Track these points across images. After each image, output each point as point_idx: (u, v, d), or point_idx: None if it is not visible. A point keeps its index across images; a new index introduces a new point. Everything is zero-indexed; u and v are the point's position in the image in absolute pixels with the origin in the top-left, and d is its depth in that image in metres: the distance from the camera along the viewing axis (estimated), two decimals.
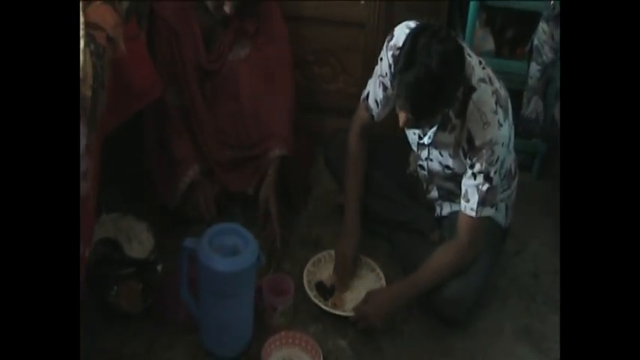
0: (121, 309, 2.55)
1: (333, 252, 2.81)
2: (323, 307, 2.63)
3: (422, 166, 2.74)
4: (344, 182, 2.80)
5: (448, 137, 2.51)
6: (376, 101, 2.67)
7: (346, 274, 2.75)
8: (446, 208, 2.80)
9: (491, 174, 2.44)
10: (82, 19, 2.18)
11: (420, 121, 2.39)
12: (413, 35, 2.24)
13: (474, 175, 2.46)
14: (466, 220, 2.53)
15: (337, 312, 2.63)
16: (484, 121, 2.39)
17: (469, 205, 2.50)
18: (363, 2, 3.09)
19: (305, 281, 2.69)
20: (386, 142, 2.87)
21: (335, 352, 2.53)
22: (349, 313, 2.60)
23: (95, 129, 2.09)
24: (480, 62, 2.47)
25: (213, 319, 2.44)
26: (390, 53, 2.51)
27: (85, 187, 2.01)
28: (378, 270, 2.78)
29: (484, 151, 2.41)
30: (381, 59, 2.57)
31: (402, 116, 2.34)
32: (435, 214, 2.84)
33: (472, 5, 3.13)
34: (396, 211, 2.87)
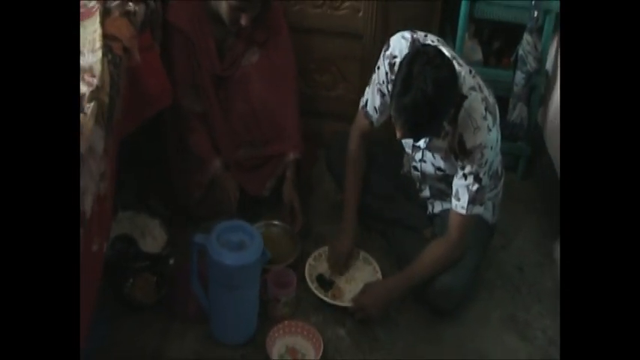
0: (136, 300, 2.56)
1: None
2: (323, 298, 2.63)
3: (416, 167, 2.73)
4: (344, 185, 2.80)
5: (442, 143, 2.51)
6: (375, 108, 2.66)
7: (340, 266, 2.75)
8: (437, 207, 2.79)
9: (481, 175, 2.43)
10: (99, 31, 2.18)
11: (416, 137, 2.45)
12: (409, 61, 2.23)
13: (465, 176, 2.45)
14: (457, 217, 2.52)
15: (336, 303, 2.62)
16: (474, 126, 2.38)
17: (460, 204, 2.49)
18: (360, 14, 3.09)
19: (306, 274, 2.69)
20: (382, 145, 2.86)
21: (334, 341, 2.53)
22: (348, 304, 2.60)
23: (112, 133, 2.09)
24: (471, 71, 2.46)
25: (222, 310, 2.44)
26: (386, 62, 2.50)
27: (103, 187, 2.00)
28: (375, 263, 2.78)
29: (474, 153, 2.40)
30: (379, 67, 2.56)
31: (399, 132, 2.33)
32: (428, 212, 2.83)
33: (462, 18, 3.13)
34: (391, 209, 2.87)
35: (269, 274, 2.55)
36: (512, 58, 3.21)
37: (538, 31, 3.07)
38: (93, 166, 1.90)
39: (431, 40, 2.47)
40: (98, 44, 2.12)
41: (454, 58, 2.41)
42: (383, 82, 2.55)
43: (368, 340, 2.55)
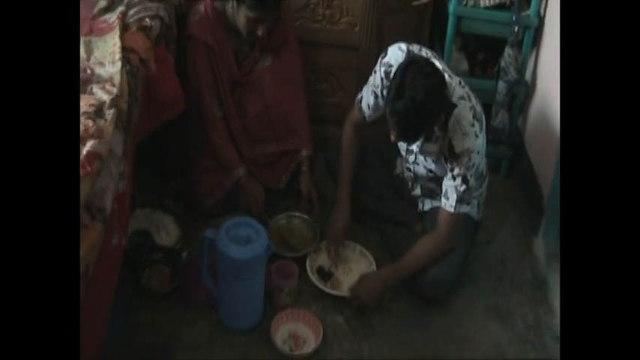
0: (152, 289, 2.56)
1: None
2: (322, 288, 2.62)
3: (409, 169, 2.74)
4: (340, 162, 2.79)
5: (433, 147, 2.52)
6: (368, 105, 2.67)
7: (337, 240, 2.74)
8: (427, 204, 2.79)
9: (468, 177, 2.44)
10: (119, 44, 2.19)
11: (408, 140, 2.45)
12: (402, 70, 2.25)
13: (454, 178, 2.46)
14: (445, 215, 2.52)
15: (335, 292, 2.62)
16: (463, 132, 2.39)
17: (449, 203, 2.49)
18: (357, 29, 3.09)
19: (307, 266, 2.68)
20: (376, 150, 2.85)
21: (333, 327, 2.52)
22: (345, 293, 2.59)
23: (130, 137, 2.09)
24: (460, 82, 2.48)
25: (230, 299, 2.44)
26: (382, 69, 2.51)
27: (122, 186, 2.01)
28: (370, 256, 2.77)
29: (462, 157, 2.41)
30: (375, 72, 2.57)
31: (393, 134, 2.35)
32: (418, 209, 2.83)
33: (449, 32, 3.14)
34: (385, 207, 2.86)
35: (273, 266, 2.54)
36: (495, 69, 3.21)
37: (518, 44, 3.08)
38: (113, 166, 1.91)
39: (425, 52, 2.48)
40: (118, 56, 2.13)
41: (445, 70, 2.43)
42: (377, 85, 2.55)
43: (363, 326, 2.54)
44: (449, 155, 2.44)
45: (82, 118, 1.87)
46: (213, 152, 2.82)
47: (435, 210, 2.64)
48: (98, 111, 1.91)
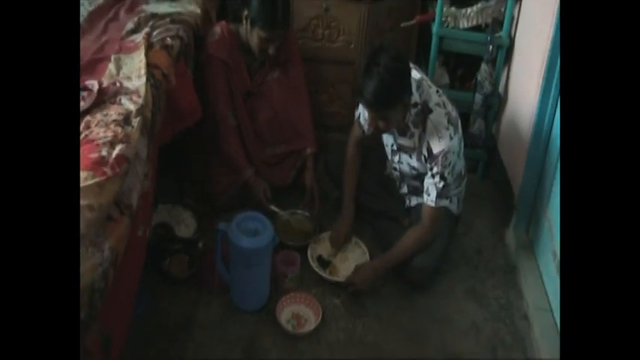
0: (172, 275, 2.55)
1: (329, 233, 2.79)
2: (322, 275, 2.62)
3: (395, 168, 2.74)
4: (342, 181, 2.80)
5: (408, 142, 2.54)
6: (364, 118, 2.68)
7: (339, 243, 2.74)
8: (413, 201, 2.79)
9: (446, 174, 2.45)
10: (144, 61, 2.19)
11: (379, 113, 2.40)
12: (372, 53, 2.31)
13: (433, 176, 2.47)
14: (428, 209, 2.53)
15: (333, 278, 2.62)
16: (439, 135, 2.42)
17: (430, 198, 2.50)
18: (352, 46, 3.09)
19: (309, 255, 2.68)
20: (370, 153, 2.85)
21: (331, 309, 2.52)
22: (342, 279, 2.59)
23: (153, 142, 2.09)
24: (437, 91, 2.50)
25: (240, 283, 2.44)
26: None
27: (147, 185, 2.00)
28: (364, 246, 2.76)
29: (440, 157, 2.43)
30: None
31: (370, 118, 2.42)
32: (406, 205, 2.82)
33: (433, 50, 3.14)
34: (377, 203, 2.86)
35: (278, 255, 2.54)
36: (472, 83, 3.21)
37: (493, 61, 3.08)
38: (139, 168, 1.91)
39: (413, 76, 2.48)
40: (143, 71, 2.13)
41: (424, 79, 2.48)
42: None
43: (357, 308, 2.54)
44: (428, 156, 2.47)
45: (111, 125, 1.86)
46: (226, 157, 2.82)
47: (420, 206, 2.63)
48: (126, 119, 1.92)
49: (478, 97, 3.13)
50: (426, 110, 2.45)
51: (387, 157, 2.81)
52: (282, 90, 2.92)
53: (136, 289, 1.97)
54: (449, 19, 3.10)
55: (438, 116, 2.43)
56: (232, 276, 2.43)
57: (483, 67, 3.07)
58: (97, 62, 2.25)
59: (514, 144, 3.01)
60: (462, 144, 2.56)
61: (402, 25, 3.18)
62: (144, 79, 2.10)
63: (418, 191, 2.71)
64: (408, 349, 2.41)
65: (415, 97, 2.44)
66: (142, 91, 2.05)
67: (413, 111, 2.46)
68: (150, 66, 2.18)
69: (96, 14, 2.56)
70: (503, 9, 3.07)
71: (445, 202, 2.52)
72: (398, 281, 2.65)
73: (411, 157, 2.59)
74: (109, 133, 1.83)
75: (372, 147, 2.81)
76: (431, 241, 2.57)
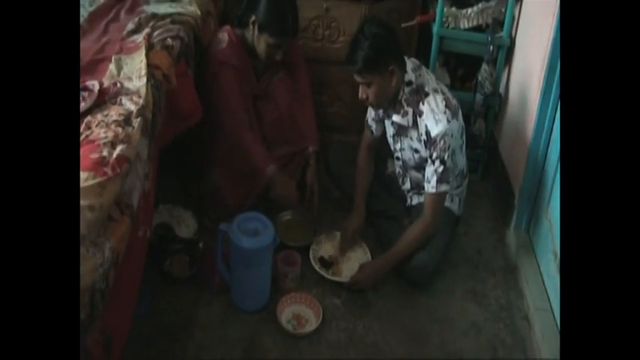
0: (173, 275, 2.55)
1: (330, 234, 2.80)
2: (326, 276, 2.62)
3: (398, 158, 2.75)
4: (355, 181, 2.81)
5: (402, 120, 2.57)
6: (373, 118, 2.73)
7: (348, 240, 2.75)
8: (415, 200, 2.79)
9: (445, 158, 2.47)
10: (145, 61, 2.19)
11: (365, 77, 2.46)
12: (361, 24, 2.46)
13: (433, 162, 2.49)
14: (429, 197, 2.55)
15: (336, 279, 2.62)
16: (436, 119, 2.46)
17: (430, 185, 2.52)
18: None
19: (311, 256, 2.68)
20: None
21: (331, 308, 2.53)
22: (345, 280, 2.59)
23: (154, 142, 2.09)
24: (439, 83, 2.58)
25: (241, 283, 2.44)
26: None
27: (147, 185, 2.01)
28: (365, 246, 2.77)
29: (438, 140, 2.45)
30: None
31: (360, 89, 2.50)
32: (407, 204, 2.83)
33: (433, 50, 3.14)
34: (378, 203, 2.86)
35: (279, 255, 2.54)
36: (473, 83, 3.21)
37: (493, 62, 3.08)
38: (139, 168, 1.91)
39: (412, 61, 2.56)
40: (143, 72, 2.13)
41: (428, 72, 2.58)
42: None
43: (358, 308, 2.54)
44: (427, 139, 2.49)
45: (112, 126, 1.86)
46: (246, 156, 2.73)
47: (421, 205, 2.65)
48: (127, 120, 1.91)
49: (479, 98, 3.13)
50: (421, 92, 2.49)
51: (388, 156, 2.82)
52: (287, 91, 2.92)
53: (137, 290, 1.97)
54: (449, 19, 3.11)
55: (434, 100, 2.47)
56: (233, 276, 2.44)
57: (484, 67, 3.07)
58: (98, 63, 2.25)
59: (515, 144, 3.02)
60: (464, 138, 2.58)
61: (403, 25, 3.18)
62: (144, 79, 2.09)
63: (420, 187, 2.72)
64: (409, 349, 2.41)
65: (410, 76, 2.50)
66: (143, 91, 2.05)
67: (406, 89, 2.51)
68: (150, 66, 2.18)
69: (96, 15, 2.56)
70: (503, 9, 3.08)
71: (446, 187, 2.53)
72: (398, 281, 2.65)
73: (411, 139, 2.60)
74: (110, 134, 1.83)
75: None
76: (434, 233, 2.58)
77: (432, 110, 2.46)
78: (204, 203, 2.83)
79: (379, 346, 2.41)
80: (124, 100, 2.01)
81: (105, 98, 2.02)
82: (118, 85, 2.08)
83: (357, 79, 2.48)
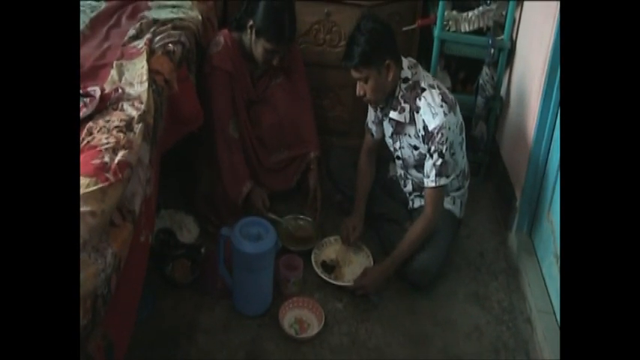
0: (175, 280, 2.56)
1: (332, 238, 2.81)
2: (329, 280, 2.62)
3: (398, 156, 2.75)
4: (356, 183, 2.82)
5: (399, 116, 2.57)
6: (373, 121, 2.73)
7: (347, 237, 2.75)
8: (417, 203, 2.79)
9: (444, 151, 2.48)
10: (146, 67, 2.19)
11: (361, 72, 2.47)
12: (357, 21, 2.47)
13: (431, 155, 2.50)
14: (429, 192, 2.56)
15: (339, 283, 2.62)
16: (433, 112, 2.47)
17: (429, 179, 2.53)
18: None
19: (313, 261, 2.68)
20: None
21: (333, 312, 2.53)
22: (349, 284, 2.59)
23: (156, 148, 2.09)
24: (434, 79, 2.59)
25: (243, 288, 2.44)
26: None
27: (149, 190, 2.01)
28: (366, 249, 2.78)
29: (435, 133, 2.46)
30: None
31: (357, 85, 2.51)
32: (408, 207, 2.83)
33: (434, 54, 3.15)
34: (379, 206, 2.87)
35: (281, 260, 2.55)
36: (474, 86, 3.21)
37: (494, 64, 3.09)
38: (141, 173, 1.91)
39: (409, 59, 2.57)
40: (145, 77, 2.13)
41: (428, 75, 2.58)
42: None
43: (360, 311, 2.55)
44: (424, 134, 2.50)
45: (114, 132, 1.87)
46: (225, 169, 2.75)
47: (422, 208, 2.65)
48: (128, 125, 1.92)
49: (480, 100, 3.13)
50: (418, 88, 2.51)
51: (389, 159, 2.82)
52: (286, 95, 2.92)
53: (139, 295, 1.97)
54: (450, 22, 3.11)
55: (431, 94, 2.49)
56: (235, 281, 2.44)
57: (485, 70, 3.07)
58: (100, 69, 2.26)
59: (516, 147, 3.02)
60: (464, 135, 2.59)
61: (404, 29, 3.19)
62: (146, 85, 2.10)
63: (421, 189, 2.72)
64: (411, 352, 2.42)
65: (406, 73, 2.52)
66: (144, 97, 2.05)
67: (403, 86, 2.53)
68: (152, 72, 2.19)
69: (98, 21, 2.57)
70: (504, 12, 3.08)
71: (445, 181, 2.53)
72: (400, 284, 2.65)
73: (410, 136, 2.61)
74: (112, 139, 1.83)
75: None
76: (434, 229, 2.58)
77: (429, 104, 2.47)
78: (205, 208, 2.84)
79: (381, 349, 2.41)
80: (126, 106, 2.01)
81: (106, 104, 2.03)
82: (120, 90, 2.08)
83: (354, 74, 2.49)
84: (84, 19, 2.54)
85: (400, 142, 2.67)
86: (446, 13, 3.08)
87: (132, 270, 1.83)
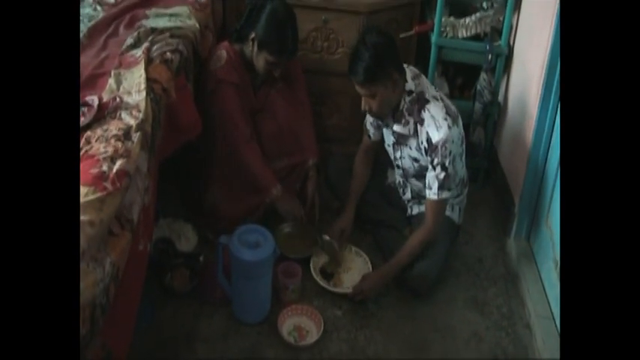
0: (174, 289, 2.56)
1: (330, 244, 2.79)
2: (328, 287, 2.62)
3: (398, 166, 2.75)
4: (350, 183, 2.82)
5: (403, 129, 2.56)
6: (371, 123, 2.73)
7: (337, 238, 2.73)
8: (415, 209, 2.80)
9: (447, 164, 2.47)
10: (144, 76, 2.20)
11: (367, 88, 2.46)
12: (359, 37, 2.48)
13: (434, 167, 2.49)
14: (430, 204, 2.55)
15: (338, 290, 2.62)
16: (437, 125, 2.46)
17: (432, 191, 2.52)
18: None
19: (311, 269, 2.68)
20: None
21: (332, 320, 2.53)
22: (347, 291, 2.59)
23: (154, 156, 2.09)
24: (437, 91, 2.58)
25: (242, 296, 2.45)
26: None
27: (147, 199, 2.00)
28: (365, 255, 2.78)
29: (439, 146, 2.45)
30: None
31: (363, 100, 2.49)
32: (407, 214, 2.84)
33: (432, 60, 3.16)
34: (377, 212, 2.87)
35: (279, 267, 2.55)
36: (471, 92, 3.23)
37: (492, 70, 3.10)
38: (139, 182, 1.91)
39: (411, 69, 2.56)
40: (143, 86, 2.14)
41: (431, 86, 2.56)
42: None
43: (359, 318, 2.55)
44: (428, 146, 2.49)
45: (112, 141, 1.87)
46: (252, 175, 2.74)
47: (422, 215, 2.66)
48: (126, 134, 1.92)
49: (478, 106, 3.14)
50: (422, 100, 2.49)
51: (388, 166, 2.83)
52: (285, 103, 2.92)
53: (138, 304, 1.98)
54: (447, 28, 3.13)
55: (435, 107, 2.48)
56: (234, 288, 2.44)
57: (482, 76, 3.09)
58: (98, 77, 2.26)
59: (514, 152, 3.03)
60: (464, 146, 2.59)
61: (401, 35, 3.20)
62: (144, 93, 2.10)
63: (420, 197, 2.73)
64: (410, 358, 2.42)
65: (410, 85, 2.51)
66: (142, 105, 2.05)
67: (407, 98, 2.52)
68: (150, 80, 2.19)
69: (96, 30, 2.58)
70: (501, 18, 3.10)
71: (447, 194, 2.53)
72: (399, 290, 2.65)
73: (410, 148, 2.61)
74: (110, 148, 1.84)
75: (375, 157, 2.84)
76: (434, 238, 2.58)
77: (433, 117, 2.46)
78: (204, 218, 2.84)
79: (381, 356, 2.41)
80: (124, 115, 2.02)
81: (104, 113, 2.03)
82: (118, 99, 2.09)
83: (360, 91, 2.48)
84: (82, 29, 2.55)
85: (401, 153, 2.67)
86: (443, 20, 3.09)
87: (130, 279, 1.83)
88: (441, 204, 2.55)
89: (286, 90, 2.93)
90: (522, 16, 3.08)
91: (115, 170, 1.76)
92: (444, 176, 2.48)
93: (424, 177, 2.59)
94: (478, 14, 3.11)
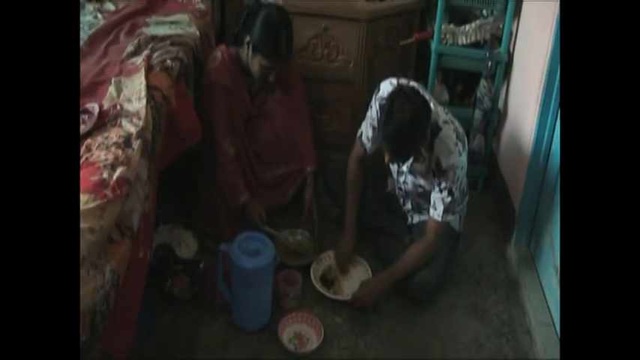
0: (174, 296, 2.56)
1: (331, 253, 2.80)
2: (327, 294, 2.63)
3: (400, 188, 2.76)
4: (345, 200, 2.80)
5: (420, 167, 2.55)
6: (368, 137, 2.69)
7: (343, 263, 2.75)
8: (416, 218, 2.80)
9: (454, 189, 2.47)
10: (144, 83, 2.21)
11: (400, 159, 2.48)
12: (391, 98, 2.31)
13: (441, 191, 2.48)
14: (433, 223, 2.55)
15: (338, 297, 2.63)
16: (448, 151, 2.43)
17: (436, 212, 2.51)
18: (351, 66, 3.14)
19: (312, 277, 2.68)
20: (371, 171, 2.87)
21: (333, 327, 2.53)
22: (347, 298, 2.60)
23: (154, 164, 2.10)
24: (444, 109, 2.53)
25: (242, 303, 2.45)
26: (377, 103, 2.54)
27: (147, 206, 2.01)
28: (365, 263, 2.78)
29: (448, 172, 2.44)
30: (371, 107, 2.60)
31: (387, 155, 2.40)
32: (408, 223, 2.84)
33: (432, 67, 3.17)
34: (378, 220, 2.87)
35: (279, 275, 2.55)
36: (471, 99, 3.24)
37: (491, 77, 3.11)
38: (139, 189, 1.92)
39: (412, 84, 2.52)
40: (143, 93, 2.15)
41: (430, 99, 2.47)
42: (374, 118, 2.58)
43: (359, 325, 2.55)
44: (437, 170, 2.47)
45: (112, 148, 1.88)
46: (222, 184, 2.78)
47: (422, 223, 2.66)
48: (126, 141, 1.93)
49: (478, 113, 3.15)
50: (435, 130, 2.45)
51: (388, 174, 2.83)
52: (283, 110, 2.93)
53: (138, 311, 1.98)
54: (447, 36, 3.14)
55: (447, 132, 2.44)
56: (234, 296, 2.45)
57: (482, 83, 3.10)
58: (98, 85, 2.27)
59: (514, 159, 3.03)
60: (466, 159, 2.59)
61: (401, 43, 3.22)
62: (144, 101, 2.11)
63: (422, 208, 2.73)
64: None
65: None
66: (143, 113, 2.06)
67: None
68: (150, 88, 2.20)
69: (96, 37, 2.59)
70: (501, 25, 3.11)
71: (451, 217, 2.54)
72: (400, 298, 2.66)
73: (415, 177, 2.61)
74: (110, 156, 1.85)
75: (372, 164, 2.83)
76: (434, 255, 2.58)
77: (445, 143, 2.43)
78: (204, 222, 2.85)
79: None
80: (124, 122, 2.03)
81: (105, 120, 2.04)
82: (118, 107, 2.10)
83: (391, 157, 2.42)
84: (82, 36, 2.57)
85: (405, 178, 2.68)
86: (443, 27, 3.11)
87: (130, 286, 1.84)
88: (443, 226, 2.56)
89: (284, 97, 2.94)
90: (522, 24, 3.09)
91: (115, 178, 1.77)
92: (450, 200, 2.48)
93: (425, 196, 2.60)
94: (478, 21, 3.12)
